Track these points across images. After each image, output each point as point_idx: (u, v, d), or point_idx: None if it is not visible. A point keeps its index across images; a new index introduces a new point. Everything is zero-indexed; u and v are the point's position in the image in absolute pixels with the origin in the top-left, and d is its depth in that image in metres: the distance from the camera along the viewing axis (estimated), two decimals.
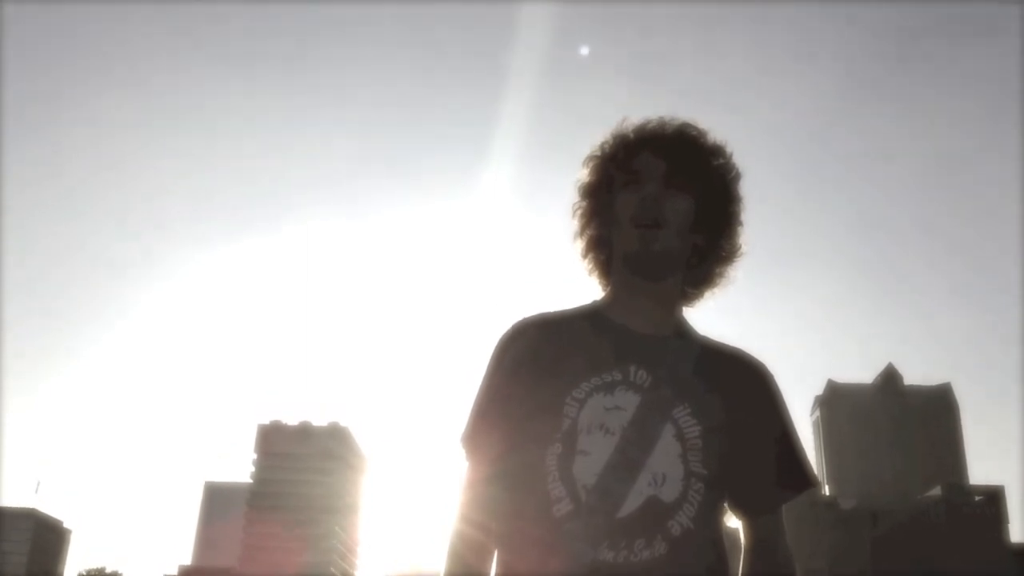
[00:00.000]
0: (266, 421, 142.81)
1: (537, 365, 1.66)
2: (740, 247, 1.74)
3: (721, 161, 1.71)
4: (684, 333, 1.71)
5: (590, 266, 1.77)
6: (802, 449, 1.68)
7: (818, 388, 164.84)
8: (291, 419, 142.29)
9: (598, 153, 1.75)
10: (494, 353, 1.71)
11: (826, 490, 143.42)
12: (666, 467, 1.56)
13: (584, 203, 1.75)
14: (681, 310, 1.74)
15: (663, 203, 1.64)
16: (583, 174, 1.76)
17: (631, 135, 1.72)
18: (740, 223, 1.74)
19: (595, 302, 1.75)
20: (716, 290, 1.76)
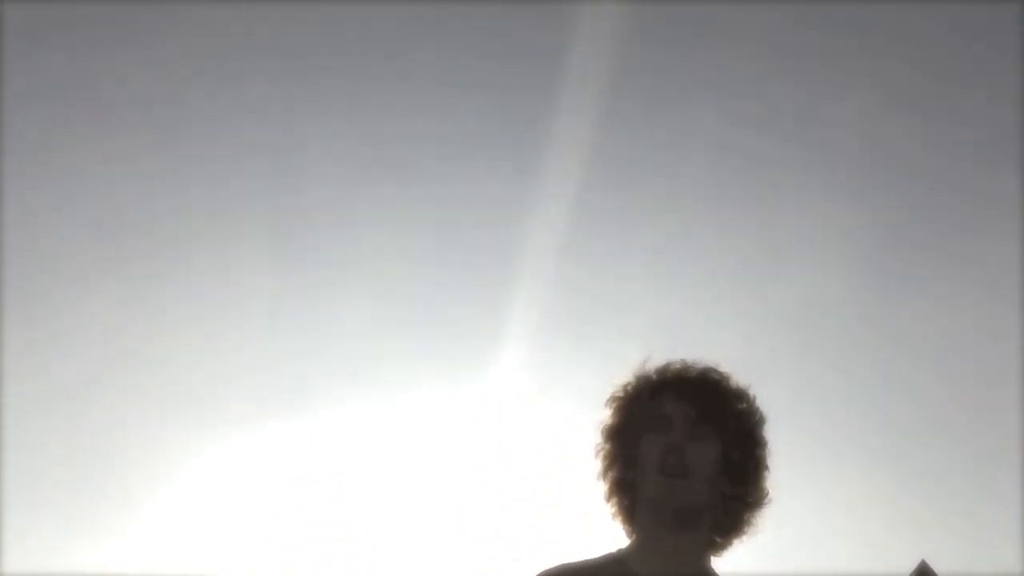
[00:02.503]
0: None
1: None
2: (767, 493, 1.69)
3: (745, 406, 1.68)
4: None
5: (614, 510, 1.71)
6: None
7: None
8: None
9: (620, 394, 1.71)
10: None
11: None
12: None
13: (607, 445, 1.71)
14: (709, 559, 1.67)
15: (688, 450, 1.60)
16: (605, 414, 1.73)
17: (654, 377, 1.69)
18: (767, 468, 1.69)
19: (620, 551, 1.69)
20: (744, 538, 1.70)
